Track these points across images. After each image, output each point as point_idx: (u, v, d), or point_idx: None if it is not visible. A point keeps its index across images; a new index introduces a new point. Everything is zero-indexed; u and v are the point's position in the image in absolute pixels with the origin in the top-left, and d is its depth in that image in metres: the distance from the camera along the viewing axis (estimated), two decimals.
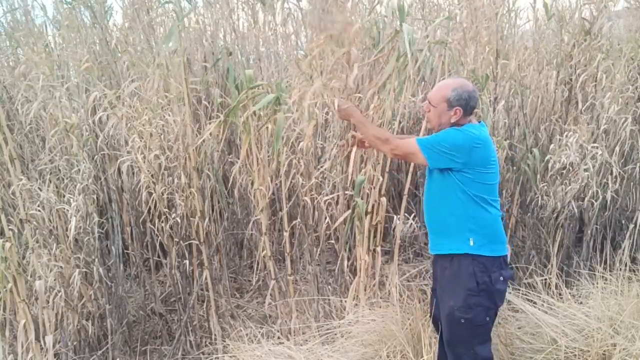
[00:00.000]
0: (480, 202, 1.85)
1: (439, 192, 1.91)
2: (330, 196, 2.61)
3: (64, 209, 2.35)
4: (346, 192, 2.64)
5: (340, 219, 2.60)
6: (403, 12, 2.22)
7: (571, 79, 3.21)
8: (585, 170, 2.75)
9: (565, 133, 2.83)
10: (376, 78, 2.32)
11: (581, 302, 2.51)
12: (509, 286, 2.58)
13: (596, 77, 3.13)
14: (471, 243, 1.84)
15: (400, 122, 3.06)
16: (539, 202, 2.94)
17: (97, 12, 3.07)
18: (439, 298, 1.99)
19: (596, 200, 2.96)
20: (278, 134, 2.22)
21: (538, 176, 2.94)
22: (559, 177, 2.85)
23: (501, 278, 1.86)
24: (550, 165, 2.86)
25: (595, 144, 2.82)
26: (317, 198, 2.68)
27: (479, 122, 1.98)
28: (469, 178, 1.83)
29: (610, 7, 3.21)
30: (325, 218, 2.66)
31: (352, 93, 2.37)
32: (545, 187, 2.90)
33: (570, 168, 2.79)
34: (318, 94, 2.04)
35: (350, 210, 2.56)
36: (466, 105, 1.87)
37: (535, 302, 2.54)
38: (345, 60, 1.98)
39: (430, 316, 2.17)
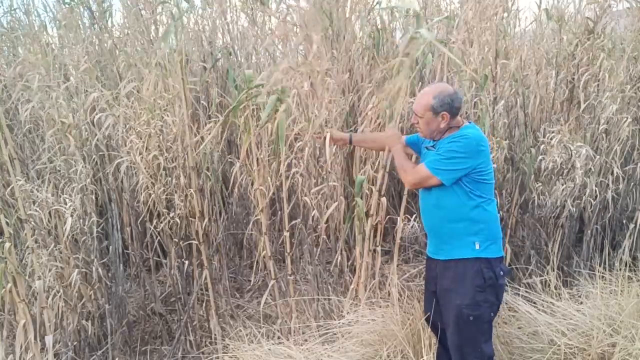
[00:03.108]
0: (482, 204, 1.88)
1: (442, 199, 1.90)
2: (322, 186, 2.60)
3: (62, 209, 2.35)
4: (343, 182, 2.64)
5: (331, 209, 2.60)
6: (420, 18, 2.11)
7: (573, 79, 3.21)
8: (579, 168, 2.75)
9: (548, 135, 2.83)
10: (384, 84, 2.30)
11: (581, 302, 2.51)
12: (507, 285, 2.59)
13: (598, 77, 3.13)
14: (477, 247, 1.85)
15: (399, 123, 3.06)
16: (536, 201, 2.94)
17: (95, 12, 3.07)
18: (441, 299, 1.97)
19: (595, 200, 2.96)
20: (281, 134, 2.21)
21: (532, 177, 2.95)
22: (553, 177, 2.85)
23: (501, 273, 1.90)
24: (543, 165, 2.86)
25: (581, 144, 2.81)
26: (317, 197, 2.68)
27: (469, 122, 2.00)
28: (474, 179, 1.86)
29: (613, 7, 3.21)
30: (313, 212, 2.66)
31: (315, 71, 2.34)
32: (540, 187, 2.89)
33: (564, 167, 2.79)
34: (286, 76, 2.04)
35: (341, 202, 2.56)
36: (451, 108, 1.90)
37: (535, 302, 2.54)
38: (308, 43, 1.98)
39: (428, 320, 2.12)
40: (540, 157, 2.89)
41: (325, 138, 2.32)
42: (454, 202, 1.87)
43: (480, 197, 1.87)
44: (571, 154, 2.76)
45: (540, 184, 2.89)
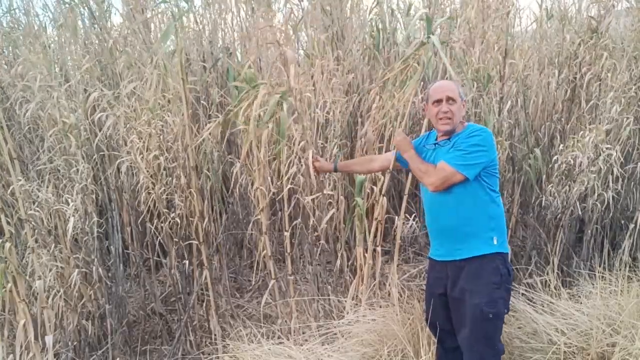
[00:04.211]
0: (496, 199, 1.92)
1: (461, 196, 1.89)
2: (317, 194, 2.60)
3: (63, 209, 2.35)
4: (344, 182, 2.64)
5: (328, 215, 2.60)
6: (431, 23, 2.10)
7: (575, 78, 3.20)
8: (592, 172, 2.73)
9: (581, 132, 2.78)
10: (392, 92, 2.30)
11: (581, 302, 2.51)
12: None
13: (600, 76, 3.12)
14: (495, 242, 1.87)
15: (400, 122, 3.07)
16: (543, 202, 2.92)
17: (95, 12, 3.06)
18: (455, 301, 1.92)
19: (601, 204, 2.95)
20: (282, 133, 2.20)
21: (544, 177, 2.93)
22: (563, 178, 2.83)
23: (510, 269, 1.94)
24: (556, 165, 2.84)
25: (610, 146, 2.79)
26: (317, 198, 2.68)
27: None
28: (490, 173, 1.89)
29: (615, 6, 3.21)
30: (311, 220, 2.67)
31: (296, 92, 2.35)
32: (551, 188, 2.87)
33: (577, 168, 2.75)
34: (265, 100, 2.03)
35: (341, 202, 2.56)
36: None
37: (534, 302, 2.54)
38: (282, 62, 1.95)
39: (427, 322, 2.10)
40: (555, 157, 2.86)
41: (311, 165, 2.34)
42: (473, 198, 1.87)
43: (494, 191, 1.91)
44: (599, 154, 2.73)
45: (551, 184, 2.87)
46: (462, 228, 1.89)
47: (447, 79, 2.80)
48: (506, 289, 1.89)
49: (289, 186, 2.47)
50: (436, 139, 2.04)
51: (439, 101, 1.94)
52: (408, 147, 2.05)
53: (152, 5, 3.01)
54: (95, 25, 3.12)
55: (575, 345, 2.23)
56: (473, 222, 1.88)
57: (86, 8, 3.10)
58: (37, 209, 2.36)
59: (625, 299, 2.40)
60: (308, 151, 2.35)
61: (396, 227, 2.63)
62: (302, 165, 2.66)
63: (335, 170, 2.42)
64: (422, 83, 3.42)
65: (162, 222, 2.61)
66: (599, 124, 3.02)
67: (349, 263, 2.96)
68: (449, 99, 1.92)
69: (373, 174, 2.62)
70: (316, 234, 2.78)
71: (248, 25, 3.38)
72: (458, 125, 1.96)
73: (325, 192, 2.61)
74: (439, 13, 3.72)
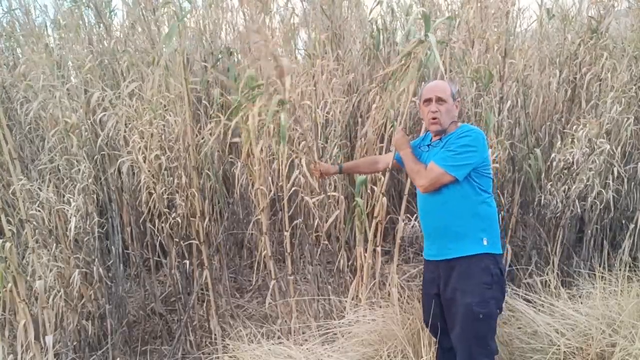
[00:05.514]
0: (487, 199, 1.90)
1: (451, 196, 1.89)
2: (322, 196, 2.59)
3: (64, 209, 2.35)
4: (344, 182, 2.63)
5: (333, 217, 2.60)
6: (429, 21, 2.10)
7: (575, 78, 3.20)
8: (590, 169, 2.73)
9: (574, 127, 2.78)
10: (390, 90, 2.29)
11: (581, 302, 2.51)
12: (507, 285, 2.59)
13: (600, 76, 3.12)
14: (485, 243, 1.86)
15: (400, 123, 3.07)
16: (542, 201, 2.92)
17: (101, 11, 3.07)
18: (447, 301, 1.93)
19: (601, 203, 2.94)
20: (283, 134, 2.20)
21: (542, 175, 2.93)
22: (562, 176, 2.83)
23: (503, 269, 1.93)
24: (554, 164, 2.83)
25: (603, 140, 2.79)
26: (319, 200, 2.68)
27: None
28: (481, 174, 1.89)
29: (615, 6, 3.21)
30: (316, 221, 2.66)
31: (296, 106, 2.33)
32: (549, 186, 2.87)
33: (575, 167, 2.75)
34: (263, 112, 2.01)
35: (338, 210, 2.56)
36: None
37: (535, 303, 2.54)
38: (278, 74, 1.92)
39: (427, 323, 2.08)
40: (552, 155, 2.86)
41: (318, 171, 2.31)
42: (463, 198, 1.87)
43: (485, 192, 1.90)
44: (593, 149, 2.71)
45: (550, 182, 2.87)
46: (452, 228, 1.89)
47: (445, 78, 2.80)
48: (499, 289, 1.88)
49: (292, 189, 2.46)
50: (431, 140, 2.05)
51: (428, 100, 1.95)
52: (405, 145, 2.05)
53: (161, 4, 3.00)
54: (101, 25, 3.12)
55: (575, 346, 2.23)
56: (463, 222, 1.88)
57: (90, 7, 3.10)
58: (38, 209, 2.36)
59: (625, 299, 2.40)
60: (308, 160, 2.34)
61: (397, 227, 2.63)
62: (302, 166, 2.67)
63: (341, 172, 2.42)
64: (422, 83, 3.43)
65: (162, 222, 2.61)
66: (596, 118, 3.02)
67: (349, 263, 2.96)
68: (438, 99, 1.93)
69: (373, 174, 2.63)
70: (317, 234, 2.78)
71: (243, 26, 3.38)
72: (451, 126, 1.96)
73: (329, 193, 2.61)
74: (434, 13, 3.72)
